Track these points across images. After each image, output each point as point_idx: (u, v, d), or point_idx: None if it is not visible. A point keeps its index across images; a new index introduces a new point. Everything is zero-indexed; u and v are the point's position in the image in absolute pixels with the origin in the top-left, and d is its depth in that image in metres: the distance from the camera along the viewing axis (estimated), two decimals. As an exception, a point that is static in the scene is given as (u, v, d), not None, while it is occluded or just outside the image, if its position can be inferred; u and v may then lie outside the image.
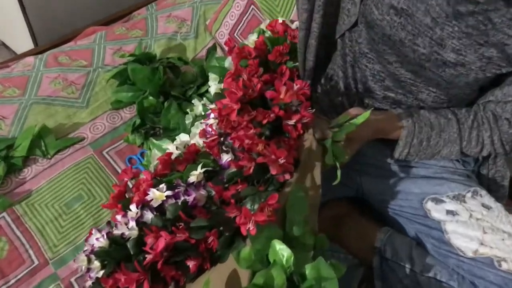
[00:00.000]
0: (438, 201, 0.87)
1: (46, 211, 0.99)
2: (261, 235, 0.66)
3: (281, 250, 0.65)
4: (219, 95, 0.89)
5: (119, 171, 1.06)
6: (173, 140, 1.02)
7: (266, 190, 0.73)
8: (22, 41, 1.63)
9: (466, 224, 0.82)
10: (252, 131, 0.76)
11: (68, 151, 1.08)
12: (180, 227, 0.73)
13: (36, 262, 0.93)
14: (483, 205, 0.85)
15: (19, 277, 0.91)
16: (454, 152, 0.88)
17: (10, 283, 0.90)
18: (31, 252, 0.94)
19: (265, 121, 0.76)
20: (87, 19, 1.53)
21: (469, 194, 0.86)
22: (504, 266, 0.75)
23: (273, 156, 0.71)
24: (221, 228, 0.73)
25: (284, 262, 0.65)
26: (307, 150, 0.77)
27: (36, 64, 1.25)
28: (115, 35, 1.35)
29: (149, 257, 0.71)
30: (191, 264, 0.72)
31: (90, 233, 0.81)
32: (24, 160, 1.05)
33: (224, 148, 0.81)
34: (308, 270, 0.64)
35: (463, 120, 0.86)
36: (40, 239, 0.95)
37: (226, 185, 0.77)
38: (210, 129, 0.86)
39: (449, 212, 0.85)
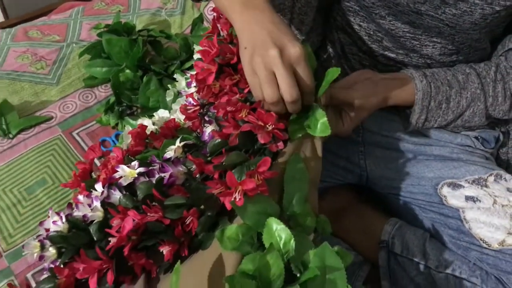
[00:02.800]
0: (455, 186, 0.74)
1: (3, 197, 0.86)
2: (252, 209, 0.53)
3: (279, 231, 0.52)
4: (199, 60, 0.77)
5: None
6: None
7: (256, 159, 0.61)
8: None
9: (490, 211, 0.69)
10: (236, 96, 0.64)
11: (33, 130, 0.96)
12: (153, 205, 0.60)
13: (-14, 255, 0.80)
14: (509, 190, 0.72)
15: (-35, 271, 0.78)
16: (478, 113, 0.75)
17: (-46, 278, 0.77)
18: (-18, 242, 0.81)
19: (247, 89, 0.64)
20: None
21: (491, 178, 0.74)
22: (538, 258, 0.63)
23: (260, 122, 0.58)
24: (202, 206, 0.60)
25: (282, 246, 0.52)
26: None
27: (3, 38, 1.13)
28: (93, 10, 1.23)
29: (113, 240, 0.58)
30: (165, 250, 0.60)
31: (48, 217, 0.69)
32: (-20, 140, 0.92)
33: (206, 119, 0.69)
34: (312, 257, 0.51)
35: (485, 74, 0.74)
36: (-6, 228, 0.82)
37: (209, 158, 0.64)
38: (191, 100, 0.74)
39: (468, 198, 0.72)
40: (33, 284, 0.77)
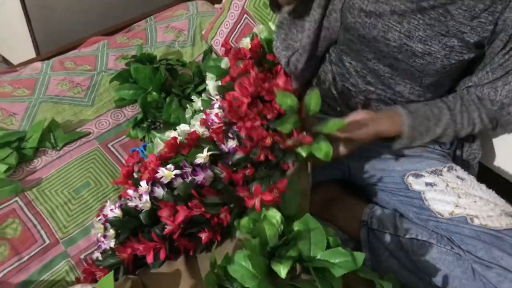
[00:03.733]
0: (418, 176, 0.96)
1: (56, 197, 1.06)
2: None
3: (273, 214, 0.74)
4: (224, 88, 0.98)
5: (123, 161, 1.14)
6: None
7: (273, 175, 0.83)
8: (24, 54, 1.72)
9: (443, 192, 0.91)
10: (257, 122, 0.85)
11: (75, 144, 1.16)
12: (195, 202, 0.80)
13: (48, 242, 0.99)
14: (458, 177, 0.94)
15: (31, 254, 0.97)
16: (449, 136, 0.96)
17: (23, 259, 0.96)
18: (42, 232, 1.00)
19: (269, 116, 0.86)
20: (88, 31, 1.63)
21: (445, 169, 0.96)
22: (476, 221, 0.84)
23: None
24: (232, 205, 0.81)
25: (275, 222, 0.73)
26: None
27: (43, 68, 1.34)
28: (117, 44, 1.45)
29: (168, 228, 0.78)
30: (203, 236, 0.80)
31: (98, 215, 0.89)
32: (34, 151, 1.12)
33: (230, 135, 0.90)
34: (297, 225, 0.73)
35: (453, 106, 0.96)
36: (51, 221, 1.02)
37: (234, 168, 0.85)
38: (214, 118, 0.94)
39: (428, 184, 0.94)
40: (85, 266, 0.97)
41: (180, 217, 0.79)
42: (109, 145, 1.18)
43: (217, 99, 1.02)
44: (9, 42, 1.81)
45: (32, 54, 1.69)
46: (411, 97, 0.98)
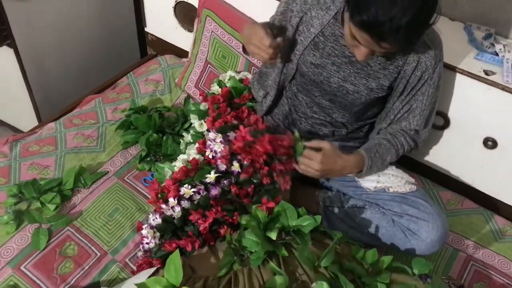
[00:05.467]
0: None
1: (96, 222, 1.43)
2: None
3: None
4: (222, 129, 1.37)
5: (138, 188, 1.53)
6: (172, 162, 1.50)
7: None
8: (25, 118, 2.06)
9: (368, 174, 1.37)
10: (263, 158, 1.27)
11: (100, 181, 1.54)
12: (217, 209, 1.21)
13: (99, 254, 1.36)
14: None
15: (90, 264, 1.33)
16: (393, 156, 1.36)
17: (85, 269, 1.32)
18: (93, 248, 1.37)
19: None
20: (80, 91, 2.00)
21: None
22: (391, 190, 1.31)
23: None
24: (240, 211, 1.23)
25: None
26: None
27: (57, 127, 1.70)
28: (109, 99, 1.83)
29: (202, 226, 1.19)
30: (222, 231, 1.21)
31: (139, 226, 1.27)
32: (71, 191, 1.49)
33: (233, 163, 1.29)
34: (276, 208, 1.16)
35: (385, 137, 1.36)
36: (97, 239, 1.39)
37: (240, 186, 1.26)
38: (218, 150, 1.32)
39: (358, 171, 1.40)
40: (131, 264, 1.34)
41: (211, 219, 1.20)
42: (125, 178, 1.56)
43: (216, 135, 1.40)
44: (11, 110, 2.14)
45: (33, 117, 2.03)
46: (343, 121, 1.41)
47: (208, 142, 1.34)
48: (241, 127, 1.32)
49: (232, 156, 1.30)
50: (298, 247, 1.09)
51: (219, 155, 1.31)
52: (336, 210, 1.38)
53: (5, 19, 1.74)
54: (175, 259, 1.03)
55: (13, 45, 1.81)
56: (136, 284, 1.02)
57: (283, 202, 1.17)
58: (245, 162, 1.27)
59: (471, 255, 1.45)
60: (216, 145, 1.31)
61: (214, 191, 1.25)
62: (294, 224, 1.14)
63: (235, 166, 1.27)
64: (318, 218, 1.12)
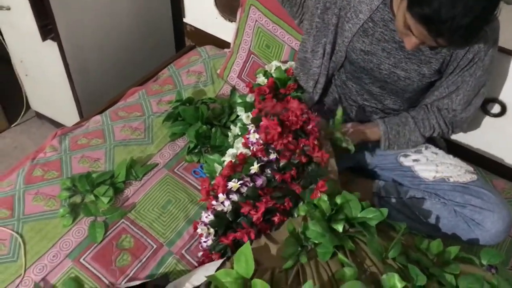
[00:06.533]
0: (406, 155, 1.40)
1: (150, 214, 1.43)
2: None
3: (323, 196, 1.15)
4: (255, 119, 1.37)
5: (189, 180, 1.52)
6: (222, 154, 1.49)
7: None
8: (68, 115, 2.07)
9: (426, 164, 1.35)
10: (290, 139, 1.26)
11: (151, 173, 1.54)
12: (267, 198, 1.20)
13: (155, 246, 1.36)
14: (433, 152, 1.39)
15: (147, 256, 1.34)
16: (418, 136, 1.38)
17: (142, 261, 1.33)
18: (149, 240, 1.37)
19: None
20: (121, 85, 2.01)
21: (423, 148, 1.40)
22: (451, 180, 1.29)
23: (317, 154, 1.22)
24: (290, 196, 1.22)
25: (326, 199, 1.15)
26: (324, 147, 1.28)
27: (104, 120, 1.70)
28: (153, 91, 1.83)
29: (255, 216, 1.18)
30: (276, 219, 1.20)
31: (195, 225, 1.26)
32: (124, 184, 1.49)
33: (270, 151, 1.29)
34: (338, 199, 1.14)
35: (416, 115, 1.38)
36: (152, 231, 1.39)
37: (282, 172, 1.25)
38: (254, 140, 1.33)
39: (414, 160, 1.38)
40: (187, 256, 1.34)
41: (262, 208, 1.19)
42: (175, 170, 1.56)
43: (251, 126, 1.40)
44: (53, 103, 2.15)
45: (75, 112, 2.04)
46: (395, 107, 1.41)
47: (247, 135, 1.33)
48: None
49: (266, 145, 1.29)
50: (367, 238, 1.07)
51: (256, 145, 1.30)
52: (392, 200, 1.36)
53: (50, 13, 1.74)
54: (246, 250, 1.03)
55: (57, 39, 1.81)
56: (207, 277, 1.02)
57: (346, 193, 1.16)
58: (279, 148, 1.26)
59: (530, 245, 1.42)
60: (251, 135, 1.30)
61: (259, 181, 1.24)
62: (359, 216, 1.13)
63: (271, 154, 1.26)
64: (384, 211, 1.10)
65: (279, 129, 1.26)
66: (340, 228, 1.10)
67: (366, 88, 1.39)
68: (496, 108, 1.48)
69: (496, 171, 1.60)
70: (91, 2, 1.93)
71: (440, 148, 1.47)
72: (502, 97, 1.46)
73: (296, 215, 1.23)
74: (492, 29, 1.20)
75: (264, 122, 1.31)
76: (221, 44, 2.03)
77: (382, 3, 1.25)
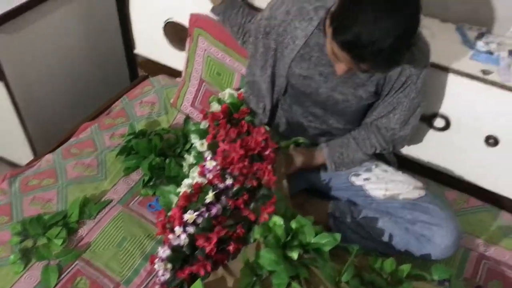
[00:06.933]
0: (357, 175, 1.42)
1: (105, 253, 1.40)
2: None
3: (277, 219, 1.15)
4: (212, 145, 1.38)
5: (145, 215, 1.50)
6: (177, 185, 1.48)
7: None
8: (22, 154, 2.02)
9: (376, 182, 1.38)
10: (246, 163, 1.27)
11: (105, 210, 1.51)
12: (218, 227, 1.20)
13: (112, 286, 1.33)
14: (383, 170, 1.42)
15: (104, 297, 1.31)
16: (361, 155, 1.42)
17: (99, 303, 1.30)
18: (106, 280, 1.34)
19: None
20: (74, 119, 1.98)
21: (373, 166, 1.43)
22: (401, 197, 1.31)
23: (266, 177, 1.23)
24: (242, 222, 1.22)
25: (280, 224, 1.15)
26: (277, 170, 1.29)
27: (55, 159, 1.67)
28: (105, 125, 1.81)
29: (208, 248, 1.17)
30: (231, 248, 1.19)
31: (152, 261, 1.23)
32: (77, 224, 1.46)
33: (226, 176, 1.30)
34: (293, 223, 1.15)
35: (357, 136, 1.41)
36: (109, 271, 1.36)
37: (235, 198, 1.25)
38: (210, 167, 1.33)
39: (365, 179, 1.40)
40: (145, 293, 1.32)
41: (214, 239, 1.19)
42: (130, 205, 1.54)
43: (208, 153, 1.41)
44: (5, 143, 2.10)
45: (28, 150, 2.00)
46: (339, 126, 1.43)
47: (203, 163, 1.33)
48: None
49: (223, 170, 1.29)
50: (320, 264, 1.08)
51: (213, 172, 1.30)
52: (347, 220, 1.38)
53: (-6, 52, 1.71)
54: (198, 287, 1.01)
55: (3, 78, 1.78)
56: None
57: (300, 218, 1.16)
58: (235, 172, 1.26)
59: (483, 254, 1.45)
60: (208, 162, 1.31)
61: (214, 210, 1.24)
62: (312, 242, 1.13)
63: (227, 180, 1.26)
64: (337, 235, 1.12)
65: (242, 151, 1.26)
66: (295, 256, 1.11)
67: (310, 110, 1.42)
68: (441, 122, 1.52)
69: (448, 183, 1.64)
70: (39, 38, 1.90)
71: (390, 164, 1.51)
72: (445, 111, 1.50)
73: (252, 240, 1.22)
74: (422, 52, 1.25)
75: (222, 146, 1.31)
76: (174, 73, 2.03)
77: (316, 28, 1.28)
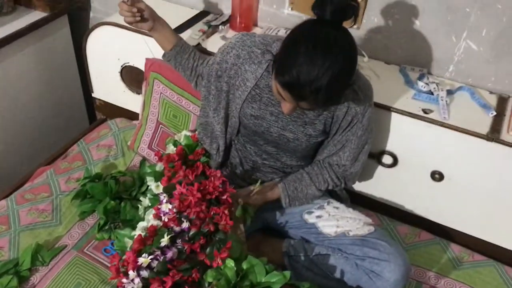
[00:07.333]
0: (310, 212, 1.45)
1: (58, 300, 1.38)
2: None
3: (229, 262, 1.17)
4: (168, 188, 1.39)
5: (99, 260, 1.49)
6: (133, 228, 1.48)
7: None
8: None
9: (328, 219, 1.41)
10: (203, 207, 1.28)
11: (59, 256, 1.48)
12: (173, 272, 1.20)
13: (64, 335, 1.31)
14: (334, 207, 1.46)
15: None
16: (315, 191, 1.46)
17: None
18: (57, 329, 1.32)
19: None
20: (31, 164, 1.96)
21: (326, 204, 1.47)
22: (351, 233, 1.35)
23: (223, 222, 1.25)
24: (198, 267, 1.22)
25: (231, 266, 1.16)
26: (233, 214, 1.31)
27: (9, 205, 1.64)
28: (61, 170, 1.80)
29: None
30: None
31: None
32: (29, 271, 1.43)
33: (182, 220, 1.31)
34: (244, 264, 1.17)
35: (311, 171, 1.46)
36: (61, 319, 1.34)
37: (192, 242, 1.26)
38: (166, 210, 1.34)
39: (318, 217, 1.44)
40: None
41: (169, 283, 1.18)
42: (85, 250, 1.52)
43: (164, 196, 1.42)
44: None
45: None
46: (292, 163, 1.48)
47: (159, 205, 1.34)
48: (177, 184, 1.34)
49: (179, 213, 1.30)
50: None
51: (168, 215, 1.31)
52: (301, 259, 1.40)
53: None
54: None
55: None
56: None
57: (251, 258, 1.18)
58: (192, 216, 1.28)
59: (434, 286, 1.50)
60: (164, 205, 1.32)
61: (169, 254, 1.24)
62: (263, 281, 1.15)
63: (184, 223, 1.28)
64: (287, 274, 1.14)
65: (199, 195, 1.28)
66: (245, 296, 1.12)
67: (263, 149, 1.46)
68: (389, 159, 1.59)
69: (400, 218, 1.69)
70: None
71: (343, 201, 1.55)
72: (391, 148, 1.57)
73: (206, 284, 1.23)
74: (365, 93, 1.32)
75: (179, 189, 1.33)
76: (132, 115, 2.05)
77: (265, 71, 1.34)
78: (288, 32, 1.17)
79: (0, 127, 2.02)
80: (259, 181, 1.40)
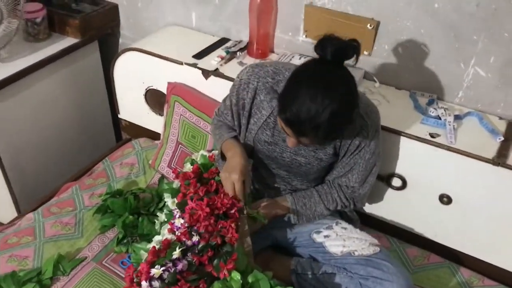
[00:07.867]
0: (318, 232, 1.50)
1: (76, 308, 1.46)
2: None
3: (235, 275, 1.22)
4: (181, 204, 1.47)
5: (117, 271, 1.57)
6: (150, 242, 1.56)
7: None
8: (6, 212, 2.10)
9: (335, 239, 1.45)
10: (211, 221, 1.35)
11: (79, 267, 1.57)
12: (182, 282, 1.26)
13: None
14: (342, 227, 1.50)
15: None
16: (323, 209, 1.51)
17: None
18: (74, 336, 1.39)
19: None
20: (57, 180, 2.07)
21: (334, 224, 1.51)
22: (356, 253, 1.38)
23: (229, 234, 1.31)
24: (205, 278, 1.29)
25: (237, 279, 1.22)
26: (240, 227, 1.37)
27: (36, 217, 1.75)
28: (86, 185, 1.90)
29: None
30: None
31: None
32: (51, 280, 1.52)
33: (192, 233, 1.38)
34: (250, 278, 1.22)
35: (320, 189, 1.51)
36: (78, 326, 1.41)
37: (200, 254, 1.33)
38: (179, 225, 1.42)
39: (325, 236, 1.48)
40: None
41: (178, 293, 1.25)
42: (103, 262, 1.60)
43: (177, 211, 1.50)
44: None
45: (13, 209, 2.08)
46: (303, 187, 1.53)
47: (172, 220, 1.41)
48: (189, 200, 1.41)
49: (190, 227, 1.37)
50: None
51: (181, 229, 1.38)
52: (308, 277, 1.44)
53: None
54: None
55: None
56: None
57: (256, 273, 1.23)
58: (201, 230, 1.34)
59: (442, 309, 1.51)
60: (176, 220, 1.39)
61: (180, 266, 1.31)
62: (267, 296, 1.20)
63: (194, 237, 1.34)
64: (293, 290, 1.18)
65: (207, 209, 1.35)
66: (250, 308, 1.17)
67: (275, 172, 1.52)
68: (398, 182, 1.62)
69: (409, 240, 1.71)
70: (27, 106, 2.03)
71: (352, 221, 1.59)
72: (401, 171, 1.60)
73: (213, 295, 1.29)
74: (372, 118, 1.36)
75: (190, 204, 1.40)
76: (154, 136, 2.15)
77: None
78: (293, 70, 1.24)
79: (34, 145, 2.15)
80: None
